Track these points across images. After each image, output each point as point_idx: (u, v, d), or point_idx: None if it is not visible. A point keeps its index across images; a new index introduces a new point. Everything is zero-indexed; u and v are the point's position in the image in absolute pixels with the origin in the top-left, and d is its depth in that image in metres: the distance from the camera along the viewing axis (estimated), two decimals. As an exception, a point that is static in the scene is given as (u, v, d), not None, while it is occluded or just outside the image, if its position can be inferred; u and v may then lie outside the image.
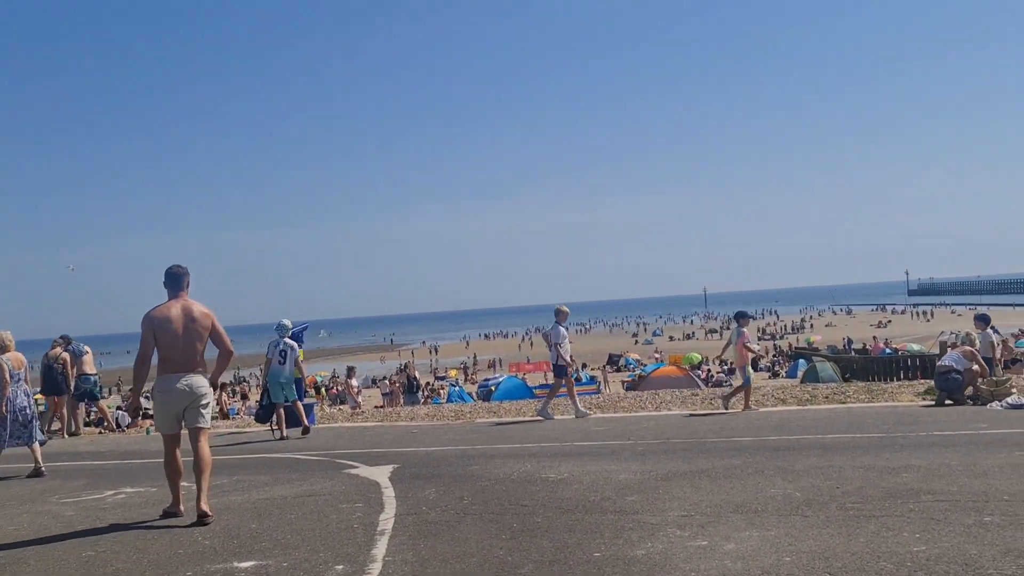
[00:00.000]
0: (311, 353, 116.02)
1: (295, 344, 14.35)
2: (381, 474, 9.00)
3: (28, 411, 10.74)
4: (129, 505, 8.18)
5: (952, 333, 50.88)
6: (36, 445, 10.82)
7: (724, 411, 13.70)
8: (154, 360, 7.29)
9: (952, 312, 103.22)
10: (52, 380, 15.77)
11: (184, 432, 7.32)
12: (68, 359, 15.79)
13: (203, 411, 7.31)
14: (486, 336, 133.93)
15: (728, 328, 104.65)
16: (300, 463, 10.44)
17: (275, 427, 14.05)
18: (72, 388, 15.99)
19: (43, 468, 10.67)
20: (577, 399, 14.90)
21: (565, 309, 15.00)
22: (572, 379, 15.19)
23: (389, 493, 7.84)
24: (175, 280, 7.39)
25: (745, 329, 14.40)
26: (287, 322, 14.39)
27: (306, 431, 13.97)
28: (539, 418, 14.10)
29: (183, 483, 7.41)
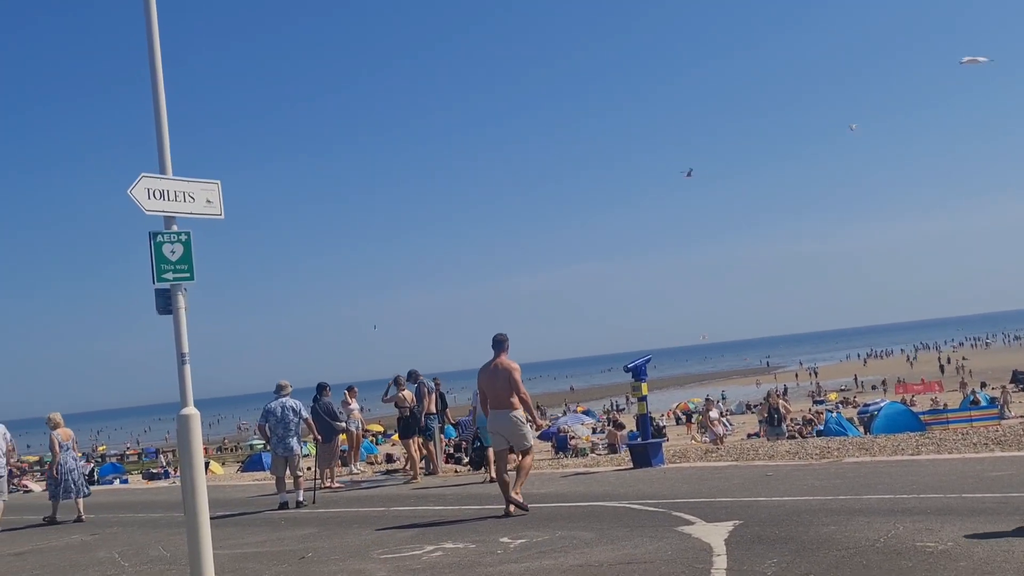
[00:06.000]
0: (680, 379, 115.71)
1: None
2: (717, 534, 7.67)
3: (75, 472, 14.40)
4: (439, 566, 7.57)
5: None
6: (81, 499, 14.32)
7: None
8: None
9: None
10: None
11: None
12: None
13: None
14: (868, 356, 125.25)
15: None
16: (633, 515, 9.36)
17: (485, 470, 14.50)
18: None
19: (83, 517, 14.11)
20: None
21: None
22: None
23: (720, 564, 6.53)
24: None
25: None
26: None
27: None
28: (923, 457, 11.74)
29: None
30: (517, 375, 10.30)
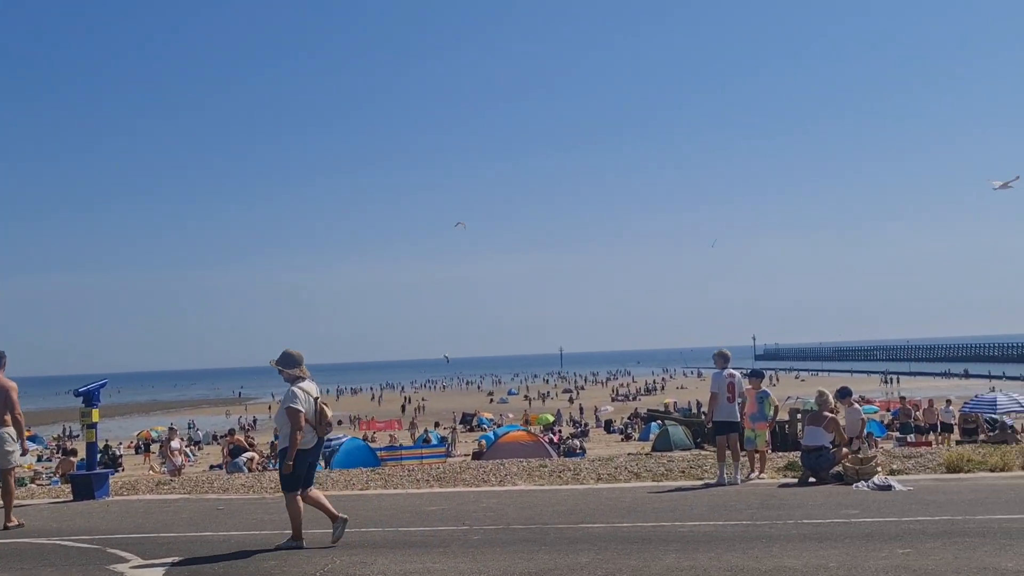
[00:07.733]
0: (146, 406, 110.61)
1: None
2: (152, 573, 7.27)
3: None
4: None
5: (798, 398, 51.81)
6: None
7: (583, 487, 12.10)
8: None
9: (796, 377, 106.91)
10: None
11: None
12: None
13: None
14: (340, 392, 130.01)
15: (583, 388, 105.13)
16: (62, 553, 8.54)
17: None
18: None
19: None
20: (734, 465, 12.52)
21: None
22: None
23: (148, 605, 6.17)
24: None
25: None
26: None
27: None
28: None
29: None
30: (15, 394, 10.40)
